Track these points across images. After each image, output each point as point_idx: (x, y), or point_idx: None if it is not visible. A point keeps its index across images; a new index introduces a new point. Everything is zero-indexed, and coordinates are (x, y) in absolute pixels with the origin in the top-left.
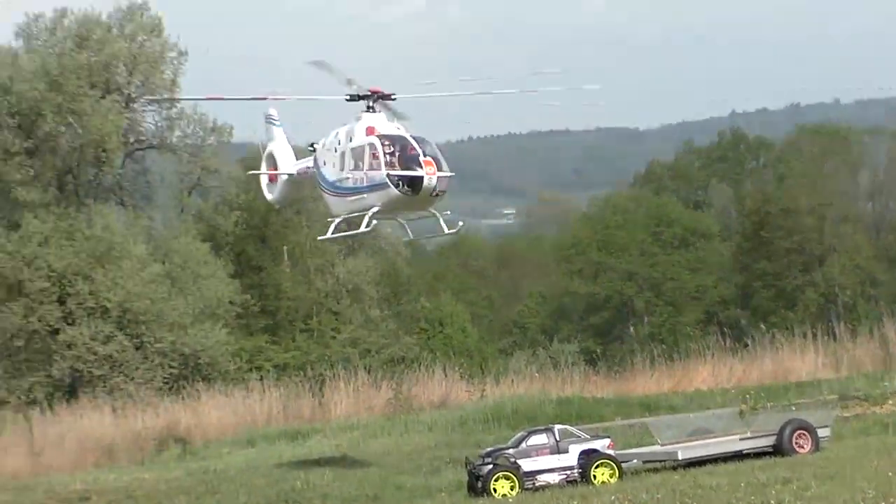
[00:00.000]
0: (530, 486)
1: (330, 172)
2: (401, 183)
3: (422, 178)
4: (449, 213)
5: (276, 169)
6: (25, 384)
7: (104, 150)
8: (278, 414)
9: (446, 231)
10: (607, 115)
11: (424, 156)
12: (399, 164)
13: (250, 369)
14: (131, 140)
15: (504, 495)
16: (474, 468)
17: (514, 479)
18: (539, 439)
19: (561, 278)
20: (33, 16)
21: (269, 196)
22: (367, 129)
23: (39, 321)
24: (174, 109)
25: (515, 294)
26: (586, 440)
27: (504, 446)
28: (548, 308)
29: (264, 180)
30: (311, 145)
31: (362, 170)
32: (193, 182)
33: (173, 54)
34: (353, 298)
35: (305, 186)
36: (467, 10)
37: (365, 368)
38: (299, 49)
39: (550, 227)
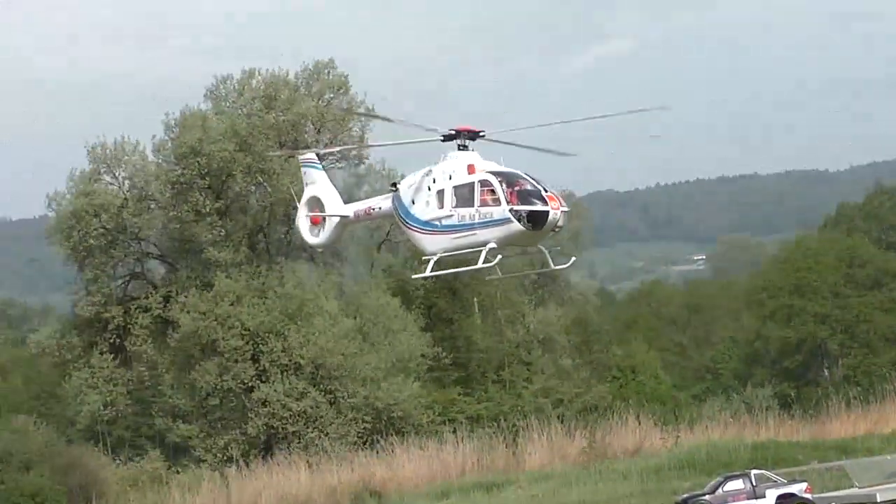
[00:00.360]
0: None
1: (423, 211)
2: (523, 218)
3: (547, 212)
4: (558, 248)
5: (320, 211)
6: (221, 442)
7: (294, 208)
8: (472, 465)
9: (553, 267)
10: (795, 157)
11: (546, 191)
12: (520, 200)
13: (443, 422)
14: None
15: None
16: None
17: None
18: (735, 485)
19: (753, 322)
20: (221, 78)
21: (313, 240)
22: (468, 166)
23: (234, 379)
24: (362, 166)
25: (707, 339)
26: (783, 485)
27: (700, 493)
28: (740, 353)
29: (306, 224)
30: (394, 185)
31: (473, 206)
32: (382, 237)
33: (360, 111)
34: (544, 348)
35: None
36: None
37: (558, 418)
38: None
39: (741, 272)
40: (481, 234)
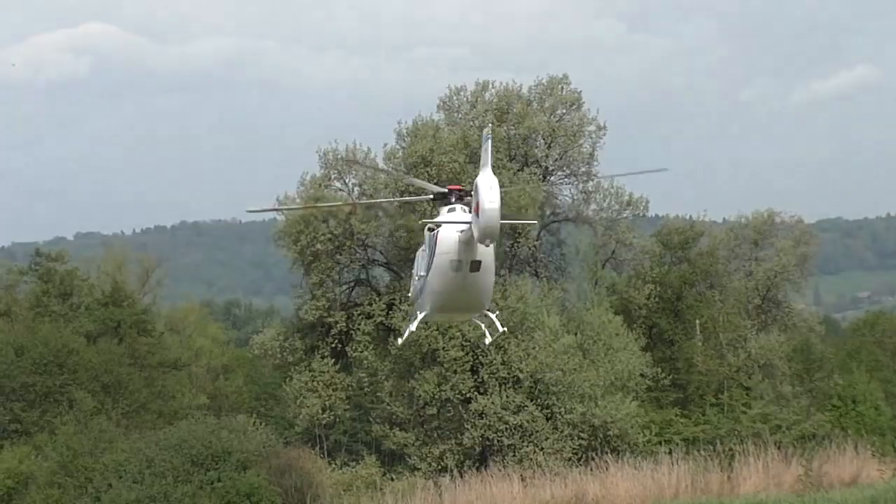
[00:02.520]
0: None
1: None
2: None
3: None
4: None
5: None
6: (436, 451)
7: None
8: (686, 487)
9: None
10: None
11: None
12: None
13: (659, 442)
14: (548, 213)
15: None
16: None
17: None
18: None
19: None
20: (455, 89)
21: None
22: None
23: (452, 390)
24: (591, 183)
25: None
26: None
27: None
28: None
29: None
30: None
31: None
32: (608, 255)
33: (592, 128)
34: (764, 374)
35: None
36: None
37: (775, 444)
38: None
39: None
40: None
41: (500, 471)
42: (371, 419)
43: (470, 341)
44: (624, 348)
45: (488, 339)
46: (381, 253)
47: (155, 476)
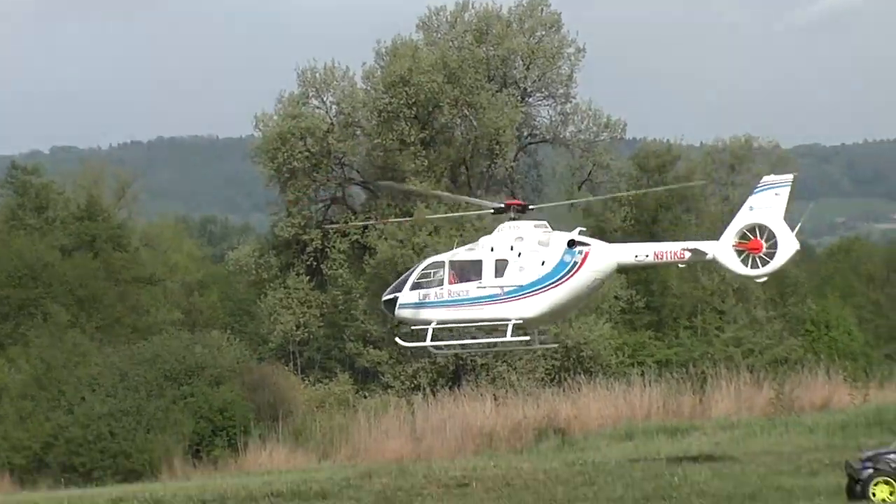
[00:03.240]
0: None
1: None
2: None
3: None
4: None
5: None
6: (410, 370)
7: (498, 143)
8: (658, 409)
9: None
10: None
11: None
12: None
13: (632, 364)
14: (525, 134)
15: (883, 500)
16: (854, 472)
17: (895, 484)
18: None
19: None
20: (435, 9)
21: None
22: None
23: None
24: (569, 104)
25: None
26: None
27: (885, 451)
28: None
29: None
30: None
31: None
32: (584, 177)
33: (571, 50)
34: (738, 298)
35: None
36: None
37: (748, 368)
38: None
39: None
40: None
41: (472, 390)
42: (345, 337)
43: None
44: None
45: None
46: (358, 171)
47: (128, 390)
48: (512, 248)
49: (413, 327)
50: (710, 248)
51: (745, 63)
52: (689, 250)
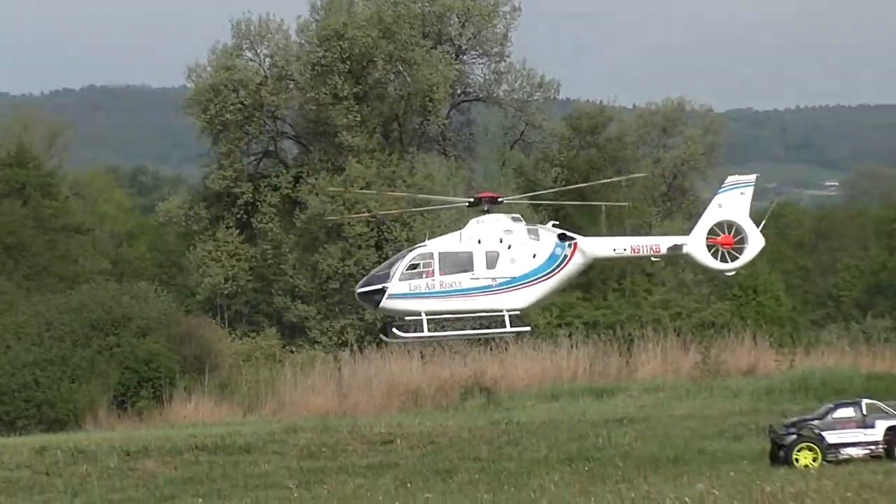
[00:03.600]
0: (833, 458)
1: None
2: None
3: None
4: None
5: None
6: (337, 326)
7: (431, 100)
8: (584, 370)
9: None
10: None
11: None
12: None
13: (560, 325)
14: (459, 91)
15: (806, 466)
16: (778, 437)
17: (818, 450)
18: (846, 412)
19: (880, 253)
20: None
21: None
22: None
23: (356, 265)
24: (503, 63)
25: (832, 266)
26: (894, 416)
27: (810, 417)
28: (864, 282)
29: None
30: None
31: None
32: (517, 136)
33: (506, 9)
34: (667, 261)
35: None
36: None
37: (675, 331)
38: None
39: (873, 201)
40: None
41: (400, 347)
42: (273, 291)
43: (376, 217)
44: None
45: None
46: (291, 125)
47: (54, 339)
48: (501, 241)
49: (405, 318)
50: (683, 242)
51: (681, 28)
52: (667, 246)
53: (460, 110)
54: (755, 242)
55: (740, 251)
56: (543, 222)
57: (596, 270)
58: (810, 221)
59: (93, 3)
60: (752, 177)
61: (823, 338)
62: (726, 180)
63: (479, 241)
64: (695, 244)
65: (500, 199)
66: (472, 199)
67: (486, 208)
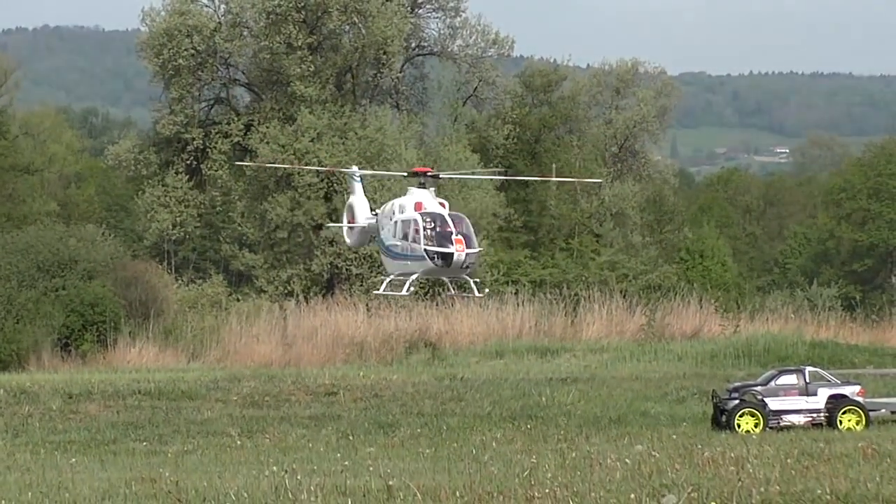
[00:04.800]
0: (775, 424)
1: (386, 237)
2: (435, 257)
3: (453, 254)
4: (478, 280)
5: (353, 219)
6: (284, 275)
7: (385, 53)
8: (530, 329)
9: (476, 294)
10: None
11: (456, 234)
12: (435, 241)
13: (507, 282)
14: (413, 45)
15: (747, 431)
16: (720, 402)
17: (760, 416)
18: (789, 379)
19: (827, 222)
20: None
21: (348, 240)
22: (415, 204)
23: (304, 215)
24: (458, 18)
25: (779, 233)
26: (836, 385)
27: (752, 383)
28: (811, 250)
29: (346, 227)
30: (373, 211)
31: (408, 241)
32: (470, 92)
33: None
34: (616, 222)
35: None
36: None
37: (621, 293)
38: None
39: (822, 170)
40: (412, 266)
41: (346, 299)
42: (221, 238)
43: (325, 167)
44: (479, 187)
45: (476, 295)
46: (244, 73)
47: None
48: None
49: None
50: None
51: None
52: None
53: (414, 64)
54: None
55: None
56: (492, 180)
57: (544, 229)
58: (759, 188)
59: None
60: None
61: (768, 304)
62: None
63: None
64: None
65: (435, 174)
66: (408, 172)
67: (422, 182)
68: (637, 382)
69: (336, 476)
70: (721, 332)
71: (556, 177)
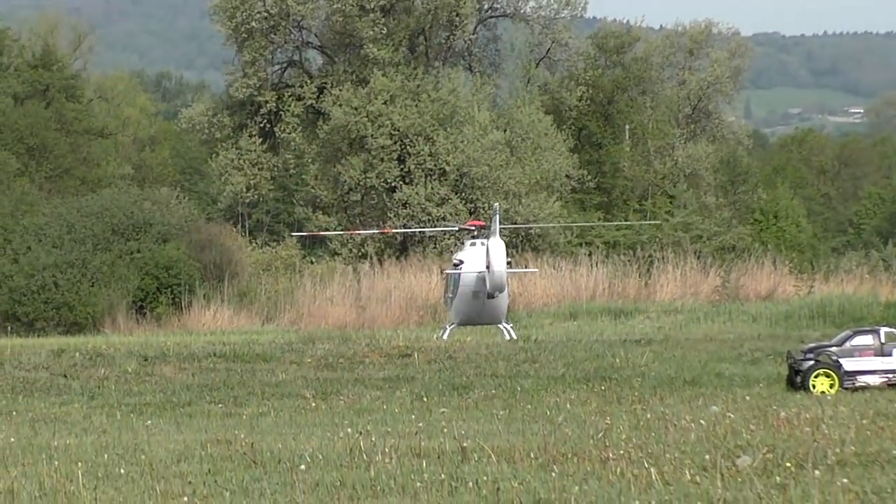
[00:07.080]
0: (850, 385)
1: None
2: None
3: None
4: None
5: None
6: (358, 238)
7: (458, 15)
8: (604, 290)
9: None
10: None
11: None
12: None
13: (580, 244)
14: (486, 7)
15: (823, 392)
16: (795, 363)
17: (835, 377)
18: (864, 340)
19: None
20: None
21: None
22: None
23: (378, 178)
24: None
25: (854, 194)
26: None
27: (827, 343)
28: (885, 210)
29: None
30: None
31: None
32: (542, 54)
33: None
34: (689, 183)
35: None
36: None
37: (695, 254)
38: None
39: None
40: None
41: (419, 261)
42: (295, 201)
43: (399, 130)
44: (552, 148)
45: (508, 337)
46: (316, 36)
47: (75, 242)
48: None
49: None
50: None
51: None
52: None
53: (487, 26)
54: None
55: None
56: (566, 141)
57: (617, 190)
58: (833, 148)
59: None
60: None
61: (843, 265)
62: None
63: None
64: None
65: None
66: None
67: (475, 234)
68: (711, 343)
69: (410, 438)
70: (795, 294)
71: (630, 138)
